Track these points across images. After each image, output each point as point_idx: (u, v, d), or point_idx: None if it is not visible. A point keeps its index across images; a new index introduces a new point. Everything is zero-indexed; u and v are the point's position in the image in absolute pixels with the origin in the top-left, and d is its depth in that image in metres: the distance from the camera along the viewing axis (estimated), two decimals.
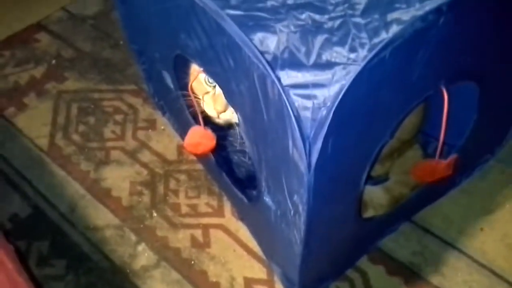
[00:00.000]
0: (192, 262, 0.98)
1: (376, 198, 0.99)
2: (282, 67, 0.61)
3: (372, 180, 1.00)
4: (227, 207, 1.05)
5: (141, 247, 1.00)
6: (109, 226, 1.03)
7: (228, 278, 0.96)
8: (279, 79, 0.58)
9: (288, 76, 0.60)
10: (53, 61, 1.35)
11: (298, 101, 0.59)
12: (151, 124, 1.20)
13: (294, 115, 0.57)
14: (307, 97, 0.59)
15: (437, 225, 1.01)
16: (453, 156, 0.83)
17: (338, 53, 0.61)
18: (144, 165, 1.13)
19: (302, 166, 0.58)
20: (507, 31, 0.74)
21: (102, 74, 1.31)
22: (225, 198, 1.06)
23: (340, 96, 0.56)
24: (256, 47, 0.60)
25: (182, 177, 1.10)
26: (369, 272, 0.95)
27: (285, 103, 0.57)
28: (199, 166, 1.12)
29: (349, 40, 0.62)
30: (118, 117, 1.22)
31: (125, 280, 0.96)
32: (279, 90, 0.58)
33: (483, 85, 0.79)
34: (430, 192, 1.00)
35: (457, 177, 1.03)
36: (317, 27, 0.64)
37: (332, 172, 0.62)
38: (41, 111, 1.24)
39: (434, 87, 0.71)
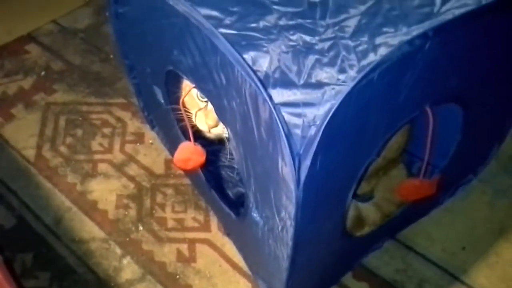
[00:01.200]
0: (177, 276, 0.98)
1: (372, 215, 1.01)
2: (274, 86, 0.62)
3: (358, 197, 1.02)
4: (214, 222, 1.06)
5: (126, 260, 1.00)
6: (95, 239, 1.03)
7: None
8: (270, 97, 0.60)
9: (279, 95, 0.62)
10: (42, 73, 1.35)
11: (289, 119, 0.61)
12: (139, 137, 1.21)
13: (285, 132, 0.59)
14: (298, 115, 0.61)
15: (420, 243, 1.02)
16: (436, 176, 0.85)
17: (328, 74, 0.62)
18: (131, 179, 1.13)
19: (291, 182, 0.59)
20: (492, 56, 0.77)
21: (91, 87, 1.32)
22: (211, 213, 1.07)
23: (329, 115, 0.58)
24: (248, 65, 0.62)
25: (169, 191, 1.11)
26: None
27: (276, 120, 0.59)
28: (186, 181, 1.12)
29: (339, 61, 0.63)
30: (106, 130, 1.22)
31: None
32: (270, 108, 0.59)
33: (467, 107, 0.82)
34: (414, 211, 1.02)
35: (441, 197, 1.05)
36: (308, 48, 0.66)
37: (320, 188, 0.64)
38: (28, 123, 1.23)
39: (420, 108, 0.73)
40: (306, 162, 0.59)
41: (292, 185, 0.60)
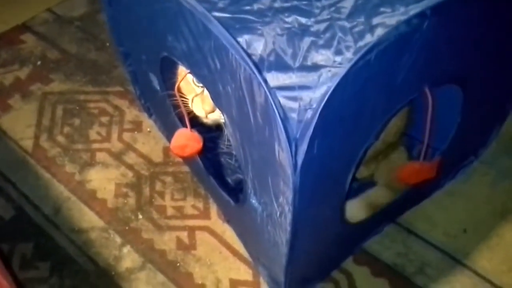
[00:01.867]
0: (178, 264, 0.98)
1: (355, 212, 0.99)
2: (269, 69, 0.61)
3: (358, 182, 1.01)
4: (213, 209, 1.05)
5: (126, 249, 1.00)
6: (94, 228, 1.03)
7: (214, 280, 0.96)
8: (265, 81, 0.59)
9: (275, 78, 0.61)
10: (39, 63, 1.34)
11: (284, 103, 0.60)
12: (137, 126, 1.20)
13: (280, 117, 0.58)
14: (293, 99, 0.60)
15: (421, 227, 1.02)
16: (437, 159, 0.84)
17: (324, 56, 0.61)
18: (130, 167, 1.12)
19: (288, 167, 0.59)
20: (491, 36, 0.75)
21: (88, 75, 1.31)
22: (211, 200, 1.06)
23: (325, 98, 0.57)
24: (243, 49, 0.61)
25: (168, 179, 1.10)
26: (354, 273, 0.96)
27: (272, 105, 0.58)
28: (185, 168, 1.12)
29: (335, 43, 0.62)
30: (104, 119, 1.21)
31: (110, 283, 0.96)
32: (265, 92, 0.58)
33: (466, 88, 0.80)
34: (415, 194, 1.01)
35: (441, 179, 1.04)
36: (304, 30, 0.64)
37: (317, 173, 0.63)
38: (25, 113, 1.23)
39: (418, 90, 0.72)
40: (303, 146, 0.58)
41: (289, 170, 0.59)
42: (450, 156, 0.95)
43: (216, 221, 1.04)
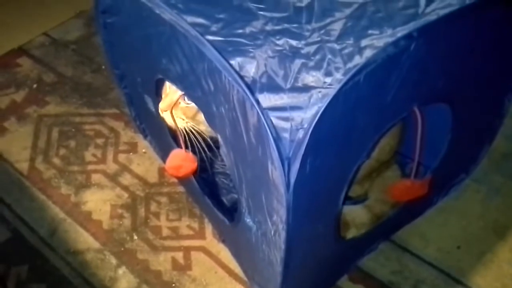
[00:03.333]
0: (173, 285, 0.98)
1: (358, 217, 1.01)
2: (261, 91, 0.63)
3: (352, 200, 1.02)
4: (209, 229, 1.06)
5: (121, 270, 1.00)
6: (90, 249, 1.03)
7: None
8: (258, 102, 0.60)
9: (267, 99, 0.62)
10: (34, 86, 1.35)
11: (277, 123, 0.61)
12: (132, 147, 1.21)
13: (273, 136, 0.59)
14: (285, 119, 0.61)
15: (415, 244, 1.03)
16: (428, 176, 0.86)
17: (314, 77, 0.63)
18: (125, 188, 1.13)
19: (281, 186, 0.60)
20: (477, 55, 0.77)
21: (83, 98, 1.32)
22: (206, 220, 1.07)
23: (316, 118, 0.58)
24: (235, 71, 0.62)
25: (163, 199, 1.11)
26: None
27: (264, 125, 0.59)
28: (180, 189, 1.12)
29: (325, 65, 0.64)
30: (99, 141, 1.22)
31: None
32: (258, 112, 0.59)
33: (455, 106, 0.82)
34: (408, 212, 1.02)
35: (434, 197, 1.05)
36: (294, 52, 0.66)
37: (310, 191, 0.64)
38: (21, 135, 1.23)
39: (408, 109, 0.73)
40: (295, 165, 0.59)
41: (282, 189, 0.60)
42: (441, 174, 0.96)
43: (212, 241, 1.04)
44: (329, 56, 0.65)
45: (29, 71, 1.39)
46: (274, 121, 0.61)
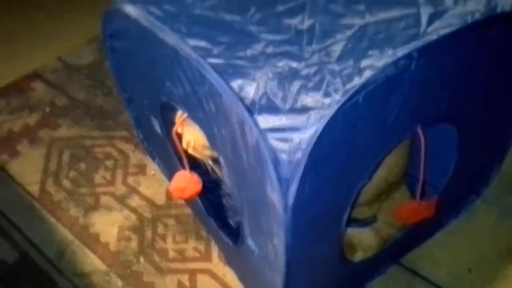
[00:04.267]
0: None
1: (365, 240, 1.00)
2: (260, 112, 0.63)
3: (360, 222, 1.01)
4: (215, 251, 1.05)
5: None
6: (96, 271, 1.03)
7: None
8: (256, 124, 0.60)
9: (266, 120, 0.62)
10: (47, 109, 1.38)
11: (275, 144, 0.61)
12: (141, 169, 1.22)
13: (271, 158, 0.59)
14: (284, 140, 0.61)
15: (425, 267, 1.01)
16: (434, 198, 0.84)
17: (313, 98, 0.63)
18: (133, 210, 1.13)
19: (280, 207, 0.59)
20: (481, 73, 0.77)
21: (95, 121, 1.34)
22: (212, 242, 1.06)
23: (315, 139, 0.58)
24: (235, 93, 0.63)
25: (171, 221, 1.11)
26: None
27: (263, 146, 0.59)
28: (188, 211, 1.12)
29: (324, 86, 0.64)
30: (109, 163, 1.23)
31: None
32: (256, 134, 0.60)
33: (460, 126, 0.81)
34: (417, 234, 1.00)
35: (444, 218, 1.04)
36: (294, 74, 0.66)
37: (310, 213, 0.63)
38: (33, 158, 1.25)
39: (411, 130, 0.73)
40: (294, 186, 0.59)
41: (280, 210, 0.60)
42: (450, 195, 0.95)
43: (218, 264, 1.03)
44: (328, 77, 0.65)
45: (42, 95, 1.42)
46: (273, 142, 0.61)
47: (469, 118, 0.81)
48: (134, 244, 1.07)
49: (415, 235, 0.99)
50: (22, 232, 1.10)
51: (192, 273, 1.02)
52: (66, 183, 1.20)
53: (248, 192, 0.70)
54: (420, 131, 0.73)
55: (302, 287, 0.74)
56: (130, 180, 1.20)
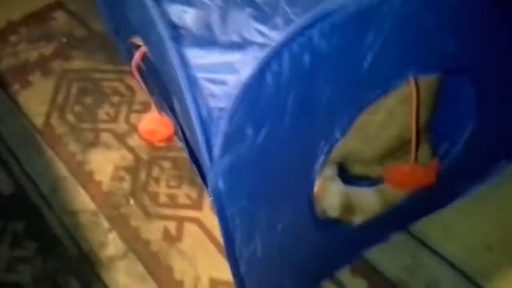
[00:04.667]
0: (160, 255, 0.92)
1: (366, 202, 0.88)
2: (191, 45, 0.52)
3: (370, 181, 0.89)
4: (207, 200, 0.98)
5: (112, 235, 0.96)
6: (85, 211, 1.00)
7: (194, 278, 0.89)
8: (184, 61, 0.50)
9: (197, 56, 0.51)
10: (64, 40, 1.34)
11: (206, 87, 0.50)
12: (146, 107, 1.15)
13: (197, 111, 0.48)
14: (217, 82, 0.50)
15: (436, 238, 0.87)
16: (434, 161, 0.70)
17: (257, 31, 0.51)
18: (131, 150, 1.08)
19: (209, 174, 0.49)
20: (502, 12, 0.60)
21: (108, 54, 1.28)
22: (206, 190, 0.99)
23: (249, 81, 0.47)
24: (166, 21, 0.52)
25: (167, 164, 1.04)
26: (348, 285, 0.85)
27: (188, 94, 0.49)
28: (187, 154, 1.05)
29: (276, 17, 0.51)
30: (115, 99, 1.18)
31: (89, 270, 0.92)
32: (182, 75, 0.49)
33: (475, 79, 0.65)
34: (431, 199, 0.86)
35: (466, 184, 0.89)
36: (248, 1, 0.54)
37: (249, 176, 0.53)
38: (43, 89, 1.22)
39: (399, 78, 0.59)
40: (218, 149, 0.48)
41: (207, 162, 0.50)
42: (472, 157, 0.80)
43: (208, 214, 0.96)
44: (284, 6, 0.52)
45: (62, 25, 1.37)
46: (203, 84, 0.50)
47: (485, 69, 0.65)
48: (126, 185, 1.03)
49: (428, 200, 0.86)
50: (20, 165, 1.08)
51: (180, 221, 0.96)
52: (70, 117, 1.16)
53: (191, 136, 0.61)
54: (412, 80, 0.59)
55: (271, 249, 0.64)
56: (133, 118, 1.14)
